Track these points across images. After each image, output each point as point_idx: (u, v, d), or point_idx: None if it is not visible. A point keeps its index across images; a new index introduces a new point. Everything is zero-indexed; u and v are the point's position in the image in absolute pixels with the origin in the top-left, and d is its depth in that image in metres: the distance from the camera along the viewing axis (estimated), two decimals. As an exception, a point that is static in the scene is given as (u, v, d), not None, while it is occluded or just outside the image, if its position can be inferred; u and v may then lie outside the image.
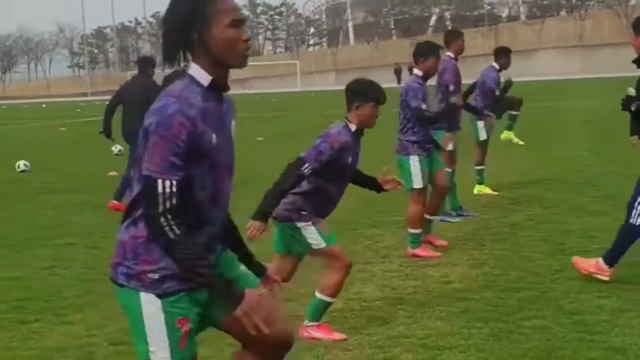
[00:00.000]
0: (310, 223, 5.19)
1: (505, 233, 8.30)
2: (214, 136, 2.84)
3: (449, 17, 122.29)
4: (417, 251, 7.49)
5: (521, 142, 12.09)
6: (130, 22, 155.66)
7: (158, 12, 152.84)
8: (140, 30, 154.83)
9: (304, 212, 5.21)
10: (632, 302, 5.63)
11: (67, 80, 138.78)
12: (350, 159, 5.24)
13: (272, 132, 24.00)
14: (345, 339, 5.25)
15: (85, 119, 40.62)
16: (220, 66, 2.88)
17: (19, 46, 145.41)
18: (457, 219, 9.21)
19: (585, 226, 8.35)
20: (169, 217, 2.77)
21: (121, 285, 2.95)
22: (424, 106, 7.48)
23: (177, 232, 2.77)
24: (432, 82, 8.03)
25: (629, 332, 5.06)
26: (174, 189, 2.77)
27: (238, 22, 2.85)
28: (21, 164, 16.16)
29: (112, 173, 14.80)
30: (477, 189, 10.89)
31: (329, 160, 5.12)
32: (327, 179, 5.22)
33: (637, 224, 6.12)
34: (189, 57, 2.89)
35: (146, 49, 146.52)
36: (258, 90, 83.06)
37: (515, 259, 7.14)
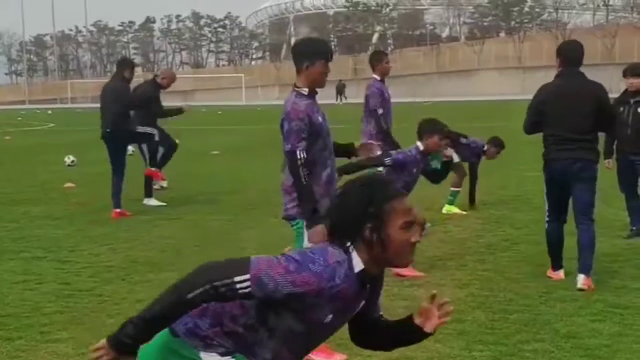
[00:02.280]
0: None
1: (484, 253, 8.34)
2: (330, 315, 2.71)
3: (391, 35, 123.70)
4: (401, 271, 7.46)
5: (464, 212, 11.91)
6: (70, 30, 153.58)
7: (99, 21, 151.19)
8: (80, 39, 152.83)
9: None
10: (628, 327, 5.68)
11: (4, 88, 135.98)
12: (320, 119, 5.19)
13: (225, 145, 23.83)
14: (347, 361, 5.18)
15: (28, 127, 39.83)
16: (382, 264, 2.78)
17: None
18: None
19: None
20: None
21: (175, 335, 2.76)
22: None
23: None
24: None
25: (632, 358, 5.10)
26: None
27: (410, 224, 2.73)
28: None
29: (69, 184, 14.51)
30: (446, 208, 10.95)
31: (308, 130, 5.11)
32: (314, 153, 5.17)
33: None
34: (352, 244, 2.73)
35: (86, 57, 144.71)
36: (202, 103, 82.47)
37: (500, 280, 7.17)
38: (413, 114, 45.43)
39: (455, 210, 10.92)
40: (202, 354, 2.72)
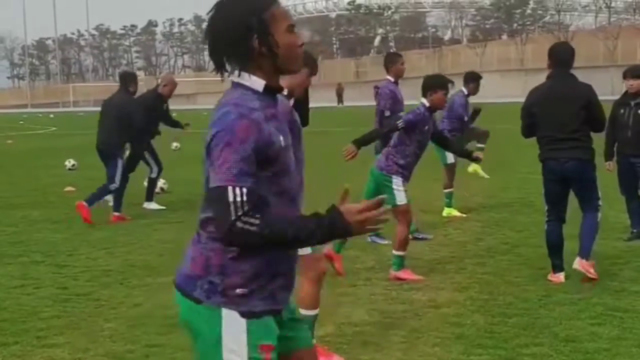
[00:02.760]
0: None
1: (483, 257, 8.29)
2: (281, 138, 2.70)
3: (393, 38, 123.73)
4: (400, 274, 7.43)
5: (486, 176, 12.23)
6: (73, 34, 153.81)
7: (101, 25, 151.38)
8: (82, 43, 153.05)
9: None
10: (628, 330, 5.64)
11: (6, 92, 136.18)
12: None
13: (226, 149, 23.78)
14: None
15: (30, 131, 39.87)
16: (278, 72, 2.77)
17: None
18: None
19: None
20: (244, 219, 2.57)
21: (198, 302, 2.73)
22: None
23: (257, 222, 2.57)
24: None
25: (632, 361, 5.07)
26: (245, 197, 2.57)
27: (294, 27, 2.77)
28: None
29: (69, 188, 14.48)
30: (446, 211, 10.92)
31: None
32: None
33: None
34: (237, 66, 2.75)
35: (89, 61, 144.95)
36: (205, 106, 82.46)
37: (500, 284, 7.12)
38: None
39: (455, 213, 10.88)
40: (224, 311, 2.70)
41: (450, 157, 10.72)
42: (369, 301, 6.70)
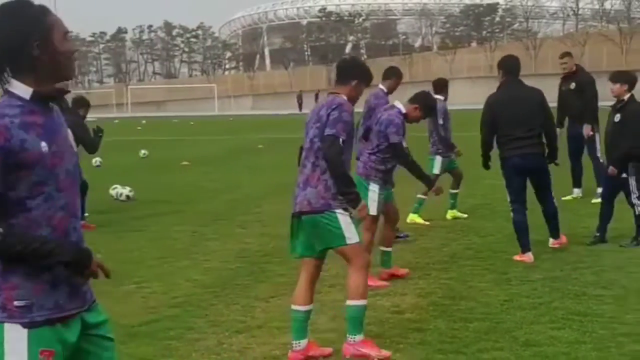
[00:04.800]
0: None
1: (447, 262, 8.33)
2: (43, 145, 2.71)
3: (364, 45, 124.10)
4: (392, 270, 7.57)
5: (464, 215, 11.86)
6: None
7: (70, 32, 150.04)
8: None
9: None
10: (587, 334, 5.69)
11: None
12: None
13: (195, 156, 23.72)
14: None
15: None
16: (52, 79, 2.82)
17: None
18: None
19: (525, 255, 8.45)
20: None
21: None
22: (404, 143, 7.45)
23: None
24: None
25: (589, 364, 5.10)
26: None
27: (69, 35, 2.86)
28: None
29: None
30: (410, 217, 10.93)
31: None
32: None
33: None
34: (12, 73, 2.78)
35: None
36: (174, 113, 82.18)
37: (463, 289, 7.16)
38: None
39: (419, 220, 10.90)
40: (6, 326, 2.72)
41: (437, 168, 10.80)
42: (333, 307, 6.70)
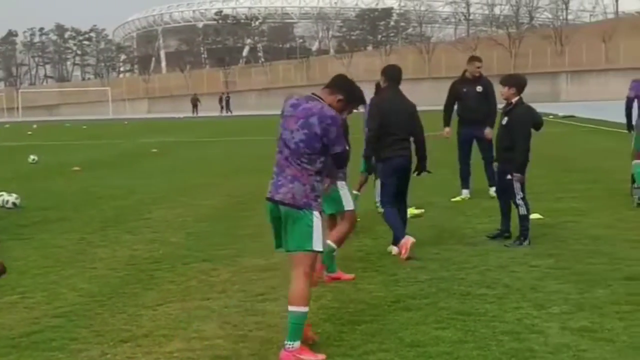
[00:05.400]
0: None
1: (338, 265, 8.34)
2: None
3: (261, 48, 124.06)
4: (337, 275, 7.73)
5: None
6: None
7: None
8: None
9: None
10: (470, 333, 5.80)
11: None
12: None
13: (87, 161, 23.18)
14: None
15: None
16: None
17: None
18: None
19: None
20: None
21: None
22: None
23: None
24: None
25: (471, 363, 5.21)
26: None
27: None
28: None
29: None
30: None
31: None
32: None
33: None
34: None
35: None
36: (67, 117, 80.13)
37: (352, 292, 7.21)
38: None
39: None
40: None
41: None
42: (222, 314, 6.63)
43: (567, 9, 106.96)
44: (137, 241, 10.10)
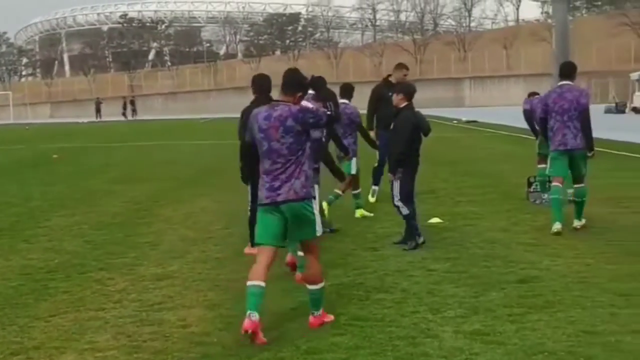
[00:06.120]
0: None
1: (241, 272, 8.28)
2: None
3: (168, 52, 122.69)
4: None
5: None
6: None
7: None
8: None
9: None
10: (366, 339, 5.82)
11: None
12: None
13: (-17, 168, 22.42)
14: None
15: None
16: None
17: None
18: None
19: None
20: None
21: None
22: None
23: None
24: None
25: (366, 369, 5.23)
26: None
27: None
28: None
29: None
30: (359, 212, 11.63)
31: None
32: None
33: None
34: None
35: None
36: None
37: (251, 299, 7.14)
38: (192, 131, 44.69)
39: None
40: None
41: (354, 168, 11.38)
42: (116, 324, 6.48)
43: (470, 16, 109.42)
44: (32, 250, 9.80)
